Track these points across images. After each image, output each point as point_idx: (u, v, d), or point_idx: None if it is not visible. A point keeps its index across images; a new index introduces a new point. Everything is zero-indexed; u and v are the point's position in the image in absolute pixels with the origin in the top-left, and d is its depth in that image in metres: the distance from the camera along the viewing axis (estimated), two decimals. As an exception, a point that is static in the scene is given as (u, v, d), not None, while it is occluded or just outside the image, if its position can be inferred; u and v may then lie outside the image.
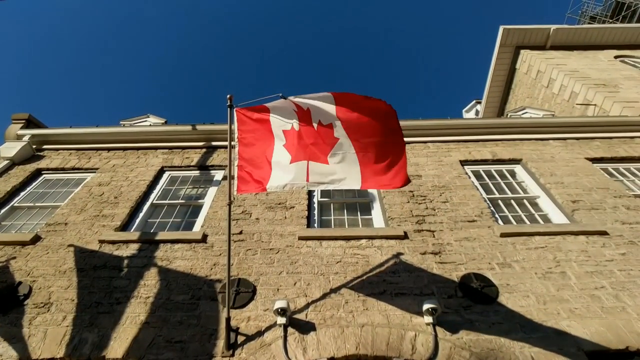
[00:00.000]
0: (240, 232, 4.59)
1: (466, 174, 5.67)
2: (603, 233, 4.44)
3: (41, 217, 5.21)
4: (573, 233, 4.44)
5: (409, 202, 5.04)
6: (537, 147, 6.30)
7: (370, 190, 5.51)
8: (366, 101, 3.44)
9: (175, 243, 4.44)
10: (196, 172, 6.04)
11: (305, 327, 3.46)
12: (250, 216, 4.86)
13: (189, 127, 6.53)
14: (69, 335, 3.46)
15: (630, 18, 14.96)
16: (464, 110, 15.25)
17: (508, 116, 9.65)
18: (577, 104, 9.52)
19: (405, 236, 4.45)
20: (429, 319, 3.40)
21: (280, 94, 3.59)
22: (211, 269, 4.11)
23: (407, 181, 3.45)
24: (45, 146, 6.60)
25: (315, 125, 3.60)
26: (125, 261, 4.24)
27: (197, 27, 40.51)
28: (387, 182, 3.51)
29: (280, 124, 3.73)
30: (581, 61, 10.89)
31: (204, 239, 4.48)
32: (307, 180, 3.58)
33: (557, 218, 4.91)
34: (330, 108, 3.51)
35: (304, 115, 3.64)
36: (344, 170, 3.56)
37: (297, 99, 3.59)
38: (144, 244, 4.45)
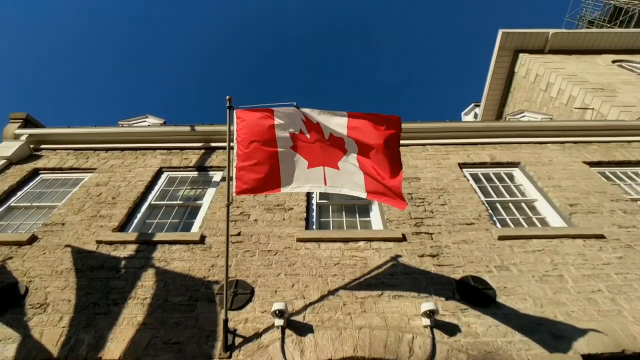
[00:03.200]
0: (239, 234, 4.58)
1: (464, 176, 5.69)
2: (600, 236, 4.45)
3: (38, 217, 5.19)
4: (570, 236, 4.45)
5: (407, 204, 5.04)
6: (535, 150, 6.33)
7: (368, 193, 5.51)
8: (376, 120, 3.60)
9: (173, 244, 4.43)
10: (195, 173, 6.03)
11: (303, 329, 3.45)
12: (249, 217, 4.85)
13: (187, 128, 6.52)
14: (66, 336, 3.44)
15: (628, 23, 15.06)
16: (462, 113, 15.32)
17: (506, 119, 9.68)
18: (575, 108, 9.57)
19: (403, 238, 4.46)
20: (426, 321, 3.40)
21: (295, 103, 3.66)
22: (209, 270, 4.10)
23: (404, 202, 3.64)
24: (42, 146, 6.57)
25: (326, 136, 3.75)
26: (123, 262, 4.23)
27: (197, 27, 40.55)
28: (392, 201, 3.66)
29: (286, 127, 3.75)
30: (579, 65, 10.95)
31: (202, 240, 4.47)
32: (325, 184, 3.82)
33: (555, 221, 4.92)
34: (342, 122, 3.65)
35: (313, 126, 3.74)
36: (352, 178, 3.77)
37: (307, 111, 3.68)
38: (141, 244, 4.44)
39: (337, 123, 3.66)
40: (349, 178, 3.77)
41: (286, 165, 3.76)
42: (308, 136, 3.77)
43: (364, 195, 3.76)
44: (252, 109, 3.79)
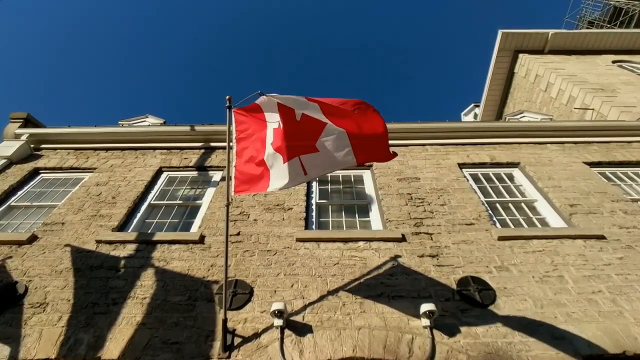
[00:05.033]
0: (238, 234, 4.58)
1: (464, 177, 5.68)
2: (600, 237, 4.44)
3: (38, 216, 5.19)
4: (571, 237, 4.44)
5: (407, 204, 5.04)
6: (535, 150, 6.32)
7: (368, 192, 5.51)
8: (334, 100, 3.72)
9: (172, 244, 4.42)
10: (194, 173, 6.02)
11: (302, 329, 3.44)
12: (248, 217, 4.85)
13: (187, 128, 6.52)
14: (65, 335, 3.44)
15: (628, 23, 15.04)
16: (462, 114, 15.31)
17: (506, 120, 9.67)
18: (575, 108, 9.56)
19: (403, 239, 4.45)
20: (426, 322, 3.39)
21: (259, 91, 3.61)
22: (208, 270, 4.10)
23: (394, 155, 3.81)
24: (43, 145, 6.58)
25: (298, 117, 3.62)
26: (122, 261, 4.22)
27: (197, 27, 40.58)
28: (380, 157, 3.81)
29: (272, 123, 3.68)
30: (579, 65, 10.94)
31: (201, 240, 4.47)
32: (305, 173, 3.65)
33: (555, 222, 4.91)
34: (310, 103, 3.65)
35: (287, 112, 3.61)
36: (335, 154, 3.68)
37: (279, 97, 3.59)
38: (141, 244, 4.43)
39: (307, 101, 3.63)
40: (332, 155, 3.65)
41: (270, 162, 3.64)
42: (281, 125, 3.61)
43: (353, 162, 3.72)
44: (246, 107, 3.79)
